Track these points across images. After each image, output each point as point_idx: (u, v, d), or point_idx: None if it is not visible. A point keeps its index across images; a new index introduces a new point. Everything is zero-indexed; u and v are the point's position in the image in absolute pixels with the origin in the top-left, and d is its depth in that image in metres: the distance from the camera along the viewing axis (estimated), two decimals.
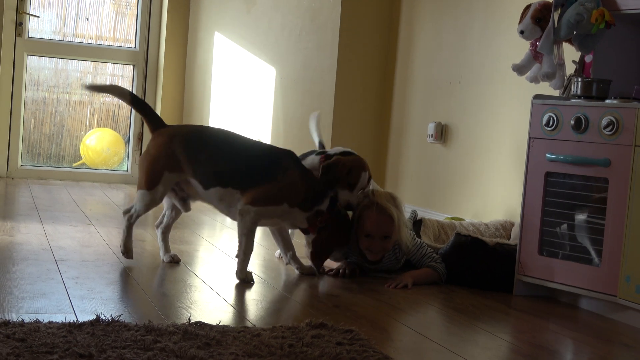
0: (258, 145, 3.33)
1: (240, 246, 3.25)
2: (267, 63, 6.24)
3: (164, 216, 3.53)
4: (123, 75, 7.21)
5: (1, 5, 6.62)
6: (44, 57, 6.99)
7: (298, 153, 3.46)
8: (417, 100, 5.29)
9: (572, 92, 3.24)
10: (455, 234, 3.51)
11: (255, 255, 3.90)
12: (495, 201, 4.44)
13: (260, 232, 4.61)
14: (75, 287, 2.83)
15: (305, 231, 3.34)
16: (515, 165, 4.26)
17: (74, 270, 3.13)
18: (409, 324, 2.68)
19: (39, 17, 6.91)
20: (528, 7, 3.47)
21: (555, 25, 3.31)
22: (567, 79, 3.46)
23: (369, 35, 5.57)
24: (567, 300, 3.22)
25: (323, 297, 3.04)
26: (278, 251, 3.71)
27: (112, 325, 2.27)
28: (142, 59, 7.17)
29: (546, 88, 3.67)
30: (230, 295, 2.92)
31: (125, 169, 7.20)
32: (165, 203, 3.49)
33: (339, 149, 3.62)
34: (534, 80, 3.53)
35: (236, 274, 3.22)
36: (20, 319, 2.28)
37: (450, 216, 4.52)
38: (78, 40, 7.09)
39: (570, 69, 3.54)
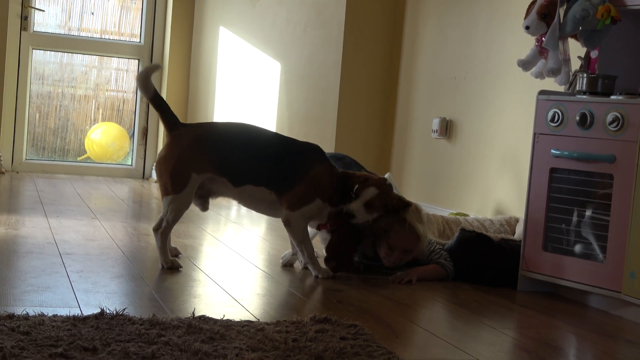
0: (283, 140, 3.31)
1: (303, 254, 3.30)
2: (272, 58, 6.23)
3: (162, 220, 3.42)
4: (128, 70, 7.22)
5: None
6: (49, 51, 6.99)
7: None
8: (421, 95, 5.28)
9: (577, 88, 3.23)
10: (460, 230, 3.51)
11: (259, 249, 3.90)
12: (500, 197, 4.44)
13: (265, 227, 4.61)
14: (79, 281, 2.83)
15: (317, 227, 3.33)
16: (520, 161, 4.26)
17: (78, 263, 3.14)
18: (413, 320, 2.68)
19: (44, 11, 6.91)
20: (533, 2, 3.46)
21: (561, 21, 3.30)
22: (573, 74, 3.45)
23: (374, 31, 5.57)
24: (571, 297, 3.21)
25: (327, 292, 3.04)
26: (286, 253, 3.64)
27: (117, 319, 2.27)
28: (147, 54, 7.17)
29: (551, 84, 3.66)
30: (235, 289, 2.92)
31: (130, 163, 7.20)
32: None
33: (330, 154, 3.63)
34: (539, 75, 3.53)
35: (316, 277, 3.25)
36: (24, 312, 2.28)
37: (454, 212, 4.51)
38: (83, 34, 7.09)
39: (575, 64, 3.53)
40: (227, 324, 2.32)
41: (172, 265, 3.19)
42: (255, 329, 2.28)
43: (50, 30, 6.96)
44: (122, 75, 7.24)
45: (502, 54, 4.51)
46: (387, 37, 5.58)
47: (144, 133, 7.17)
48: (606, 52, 3.29)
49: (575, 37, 3.35)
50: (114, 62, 7.20)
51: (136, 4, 7.21)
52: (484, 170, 4.61)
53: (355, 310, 2.73)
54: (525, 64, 3.54)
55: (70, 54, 7.06)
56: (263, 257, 3.67)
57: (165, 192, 3.20)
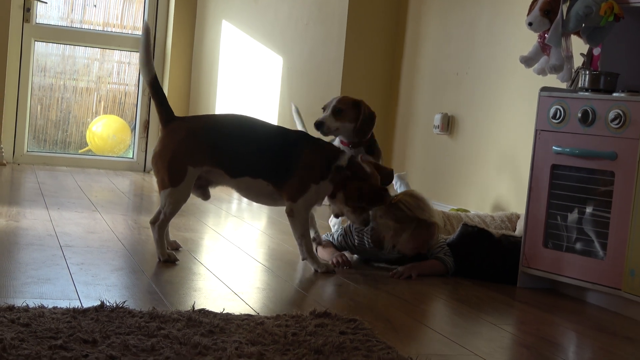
0: (274, 129, 3.32)
1: (301, 247, 3.29)
2: (274, 52, 6.23)
3: (159, 213, 3.36)
4: (130, 62, 7.21)
5: None
6: (51, 43, 6.99)
7: None
8: (424, 91, 5.28)
9: (579, 85, 3.23)
10: (463, 225, 3.51)
11: (260, 243, 3.91)
12: (501, 193, 4.44)
13: (265, 221, 4.61)
14: (79, 273, 2.83)
15: (332, 195, 3.30)
16: (521, 157, 4.26)
17: (78, 256, 3.14)
18: (412, 315, 2.68)
19: (46, 2, 6.90)
20: None
21: (564, 18, 3.30)
22: (575, 71, 3.44)
23: (376, 26, 5.56)
24: (572, 293, 3.21)
25: (327, 286, 3.04)
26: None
27: (117, 312, 2.28)
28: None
29: (554, 80, 3.66)
30: (235, 283, 2.92)
31: (131, 156, 7.20)
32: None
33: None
34: (542, 72, 3.52)
35: (316, 271, 3.24)
36: (24, 304, 2.29)
37: (455, 207, 4.51)
38: (85, 26, 7.09)
39: (578, 61, 3.52)
40: (227, 318, 2.32)
41: (168, 258, 3.19)
42: (254, 323, 2.29)
43: (52, 23, 6.96)
44: (124, 68, 7.23)
45: (505, 51, 4.51)
46: (390, 33, 5.58)
47: (146, 126, 7.17)
48: (609, 49, 3.28)
49: (578, 34, 3.35)
50: (116, 54, 7.20)
51: None
52: (485, 166, 4.61)
53: (354, 305, 2.73)
54: (528, 61, 3.54)
55: (72, 46, 7.06)
56: (263, 251, 3.67)
57: (162, 185, 3.21)
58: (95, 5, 7.12)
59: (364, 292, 3.00)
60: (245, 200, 5.10)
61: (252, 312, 2.48)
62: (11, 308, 2.22)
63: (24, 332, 2.03)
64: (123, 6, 7.18)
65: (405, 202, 3.41)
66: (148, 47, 3.24)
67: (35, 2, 6.83)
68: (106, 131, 7.19)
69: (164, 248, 3.23)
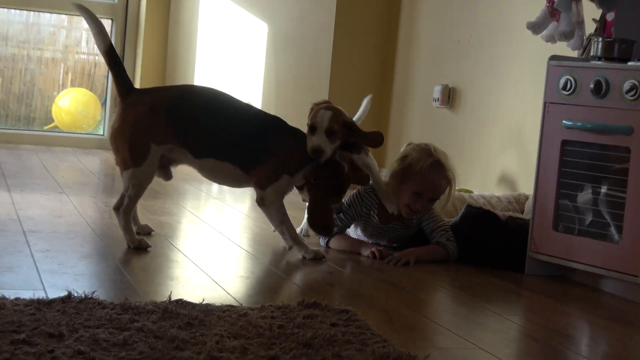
0: (249, 111, 3.30)
1: (284, 235, 3.30)
2: (258, 18, 6.20)
3: (123, 196, 3.28)
4: None
5: None
6: (13, 10, 6.94)
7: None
8: (422, 60, 5.26)
9: (591, 53, 3.22)
10: (466, 206, 3.52)
11: (243, 227, 3.90)
12: (507, 172, 4.44)
13: (249, 203, 4.60)
14: (45, 261, 2.82)
15: (300, 188, 3.32)
16: (529, 132, 4.25)
17: (44, 242, 3.12)
18: (410, 305, 2.68)
19: None
20: None
21: None
22: (587, 38, 3.43)
23: None
24: (584, 281, 3.22)
25: (316, 274, 3.04)
26: (302, 227, 3.72)
27: (85, 303, 2.27)
28: (122, 13, 7.12)
29: (564, 48, 3.65)
30: (215, 271, 2.92)
31: (102, 133, 7.18)
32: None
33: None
34: (550, 39, 3.51)
35: (304, 258, 3.23)
36: None
37: (457, 188, 4.51)
38: None
39: (590, 27, 3.51)
40: (207, 309, 2.31)
41: (139, 244, 3.17)
42: (237, 315, 2.28)
43: None
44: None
45: (511, 16, 4.50)
46: None
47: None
48: (623, 14, 3.27)
49: None
50: (85, 22, 7.16)
51: None
52: (490, 142, 4.61)
53: (347, 295, 2.73)
54: (535, 27, 3.52)
55: (36, 12, 7.01)
56: (247, 237, 3.66)
57: (124, 166, 3.20)
58: None
59: (357, 280, 2.99)
60: None
61: (235, 303, 2.47)
62: None
63: None
64: None
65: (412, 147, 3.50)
66: (93, 16, 3.24)
67: None
68: (74, 106, 7.15)
69: (133, 234, 3.22)
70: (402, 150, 3.59)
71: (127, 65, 6.49)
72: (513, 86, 4.45)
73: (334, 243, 3.50)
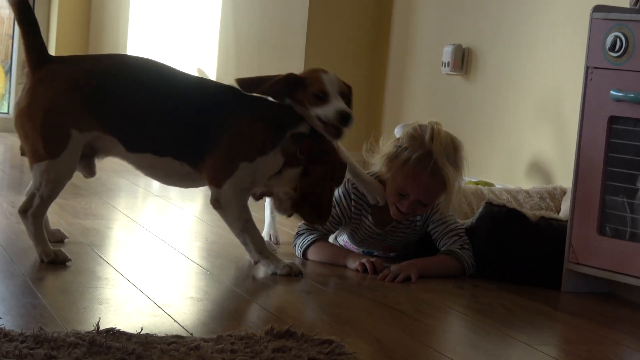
0: (195, 85, 3.28)
1: (247, 247, 3.29)
2: None
3: (33, 196, 3.24)
4: None
5: None
6: None
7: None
8: (427, 14, 5.28)
9: None
10: (485, 204, 3.52)
11: (194, 234, 3.91)
12: (538, 158, 4.46)
13: (201, 202, 4.61)
14: None
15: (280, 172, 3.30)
16: (567, 106, 4.28)
17: None
18: (413, 334, 2.69)
19: None
20: None
21: None
22: None
23: None
24: (637, 299, 3.25)
25: (290, 294, 3.05)
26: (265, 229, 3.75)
27: None
28: None
29: None
30: (157, 291, 2.92)
31: (6, 111, 7.17)
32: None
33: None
34: None
35: (275, 274, 3.24)
36: None
37: (474, 180, 4.53)
38: None
39: None
40: (147, 341, 2.32)
41: (55, 258, 3.17)
42: (187, 348, 2.29)
43: None
44: None
45: None
46: None
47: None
48: None
49: None
50: None
51: None
52: (516, 119, 4.63)
53: (330, 320, 2.75)
54: None
55: None
56: (199, 246, 3.67)
57: (35, 157, 3.17)
58: None
59: (344, 301, 3.01)
60: None
61: (183, 333, 2.49)
62: None
63: None
64: None
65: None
66: None
67: None
68: None
69: (47, 244, 3.21)
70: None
71: None
72: (545, 46, 4.48)
73: (314, 253, 3.51)
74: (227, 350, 2.30)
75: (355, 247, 3.62)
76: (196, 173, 3.24)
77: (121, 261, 3.33)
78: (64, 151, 3.15)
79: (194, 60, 6.19)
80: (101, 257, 3.33)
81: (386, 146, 3.51)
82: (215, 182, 3.22)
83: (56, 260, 3.17)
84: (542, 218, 3.46)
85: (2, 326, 2.35)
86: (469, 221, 3.55)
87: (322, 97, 3.23)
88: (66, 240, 3.50)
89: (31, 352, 2.17)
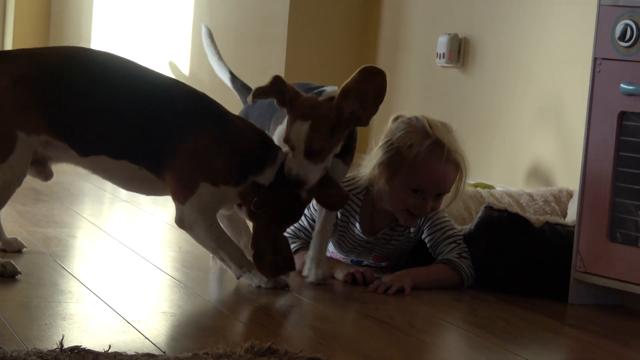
0: (161, 82, 3.27)
1: (226, 263, 3.28)
2: None
3: None
4: None
5: None
6: None
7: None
8: (420, 0, 5.28)
9: None
10: (485, 208, 3.53)
11: (166, 243, 3.90)
12: (541, 158, 4.47)
13: (173, 210, 4.60)
14: None
15: (238, 205, 3.32)
16: (572, 101, 4.29)
17: None
18: (406, 350, 2.70)
19: None
20: None
21: None
22: None
23: None
24: None
25: (272, 308, 3.05)
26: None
27: None
28: None
29: None
30: (126, 306, 2.92)
31: None
32: None
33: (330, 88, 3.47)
34: None
35: (259, 287, 3.24)
36: None
37: (472, 182, 4.54)
38: None
39: None
40: (116, 359, 2.32)
41: (2, 269, 3.16)
42: None
43: None
44: None
45: None
46: None
47: None
48: None
49: None
50: None
51: None
52: (518, 115, 4.63)
53: (316, 336, 2.75)
54: None
55: None
56: (172, 256, 3.67)
57: None
58: None
59: (330, 315, 3.01)
60: None
61: (155, 351, 2.48)
62: None
63: None
64: None
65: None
66: None
67: None
68: None
69: None
70: (386, 128, 3.55)
71: None
72: (549, 35, 4.48)
73: (297, 263, 3.50)
74: None
75: (343, 257, 3.61)
76: (159, 181, 3.24)
77: (86, 273, 3.32)
78: (10, 155, 3.14)
79: (164, 53, 6.18)
80: (64, 269, 3.33)
81: (374, 153, 3.50)
82: (177, 198, 3.22)
83: (4, 272, 3.15)
84: (547, 223, 3.47)
85: None
86: (467, 227, 3.55)
87: (290, 147, 3.20)
88: (25, 250, 3.49)
89: None
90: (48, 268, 3.31)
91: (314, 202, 3.38)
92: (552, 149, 4.42)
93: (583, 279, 3.32)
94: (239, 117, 3.32)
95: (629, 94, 3.20)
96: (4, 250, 3.35)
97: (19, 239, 3.52)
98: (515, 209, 3.71)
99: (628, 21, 3.20)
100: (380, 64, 5.48)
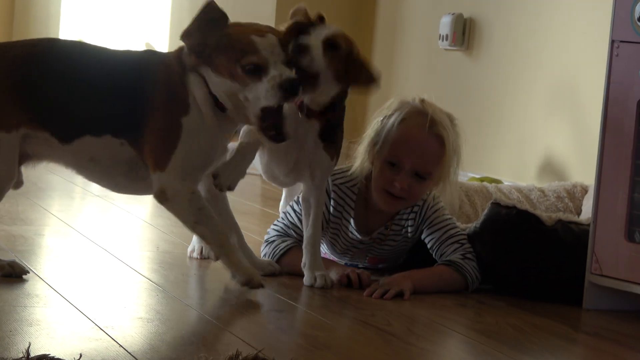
0: (119, 52, 3.31)
1: (205, 238, 3.28)
2: None
3: None
4: None
5: None
6: None
7: None
8: None
9: None
10: (492, 204, 3.53)
11: (143, 243, 3.91)
12: (555, 150, 4.48)
13: (151, 205, 4.61)
14: None
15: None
16: (587, 87, 4.29)
17: None
18: (405, 359, 2.70)
19: None
20: None
21: None
22: None
23: None
24: None
25: (259, 314, 3.06)
26: (194, 245, 3.64)
27: None
28: None
29: None
30: (99, 311, 2.92)
31: None
32: None
33: None
34: None
35: (238, 282, 3.22)
36: None
37: (478, 176, 4.55)
38: None
39: None
40: None
41: (11, 270, 3.19)
42: None
43: None
44: None
45: None
46: None
47: None
48: None
49: None
50: None
51: None
52: (527, 103, 4.64)
53: (307, 344, 2.75)
54: None
55: None
56: (149, 256, 3.67)
57: None
58: None
59: (325, 321, 3.01)
60: None
61: None
62: None
63: None
64: None
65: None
66: None
67: None
68: None
69: None
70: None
71: None
72: (562, 16, 4.49)
73: (289, 263, 3.49)
74: None
75: (337, 258, 3.61)
76: (141, 163, 3.24)
77: (55, 275, 3.32)
78: None
79: (142, 34, 6.19)
80: (31, 270, 3.33)
81: (366, 134, 3.50)
82: (157, 164, 3.21)
83: (12, 273, 3.19)
84: (560, 221, 3.48)
85: None
86: (472, 225, 3.56)
87: (254, 72, 3.19)
88: None
89: None
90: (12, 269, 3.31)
91: (300, 198, 3.39)
92: (565, 140, 4.43)
93: (599, 282, 3.33)
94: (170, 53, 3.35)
95: None
96: None
97: None
98: (524, 205, 3.72)
99: None
100: (378, 46, 5.49)
